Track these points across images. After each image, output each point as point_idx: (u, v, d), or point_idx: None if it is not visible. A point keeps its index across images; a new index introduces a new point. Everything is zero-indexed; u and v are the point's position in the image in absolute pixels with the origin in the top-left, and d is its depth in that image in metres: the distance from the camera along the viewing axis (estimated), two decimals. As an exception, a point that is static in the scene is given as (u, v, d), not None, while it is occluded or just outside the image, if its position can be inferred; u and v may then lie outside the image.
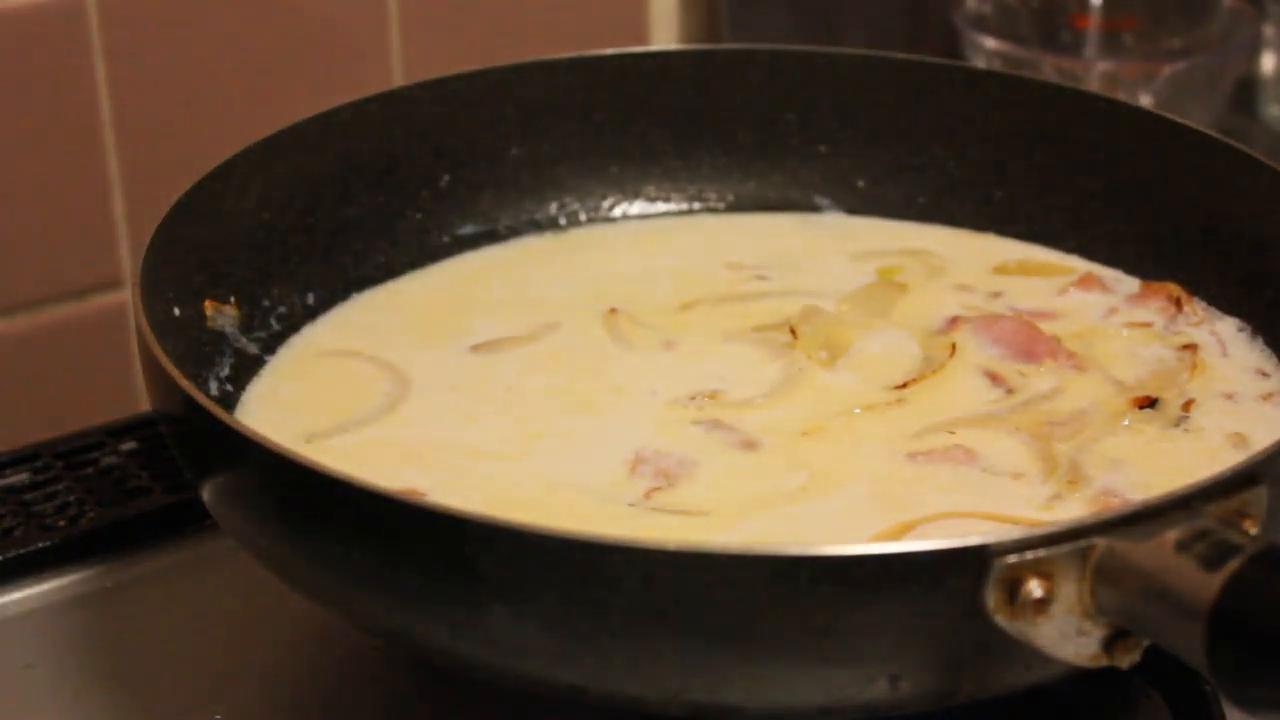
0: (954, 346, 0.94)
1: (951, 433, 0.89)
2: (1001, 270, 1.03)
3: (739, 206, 1.08)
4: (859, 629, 0.70)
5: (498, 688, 0.84)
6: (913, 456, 0.87)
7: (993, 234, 1.05)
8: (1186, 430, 0.89)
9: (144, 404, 1.20)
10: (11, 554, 0.96)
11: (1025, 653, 0.70)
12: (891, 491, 0.85)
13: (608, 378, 0.94)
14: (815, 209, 1.08)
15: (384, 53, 1.24)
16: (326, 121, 1.00)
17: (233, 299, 0.94)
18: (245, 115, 1.19)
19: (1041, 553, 0.69)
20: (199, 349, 0.91)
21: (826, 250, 1.05)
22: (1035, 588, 0.69)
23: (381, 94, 1.03)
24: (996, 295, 1.00)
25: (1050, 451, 0.87)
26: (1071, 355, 0.94)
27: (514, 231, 1.06)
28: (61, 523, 0.98)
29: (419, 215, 1.03)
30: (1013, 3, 1.38)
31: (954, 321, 0.97)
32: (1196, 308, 0.97)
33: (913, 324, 0.97)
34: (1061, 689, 0.84)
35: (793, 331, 0.96)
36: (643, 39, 1.33)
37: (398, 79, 1.24)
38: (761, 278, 1.02)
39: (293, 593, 0.81)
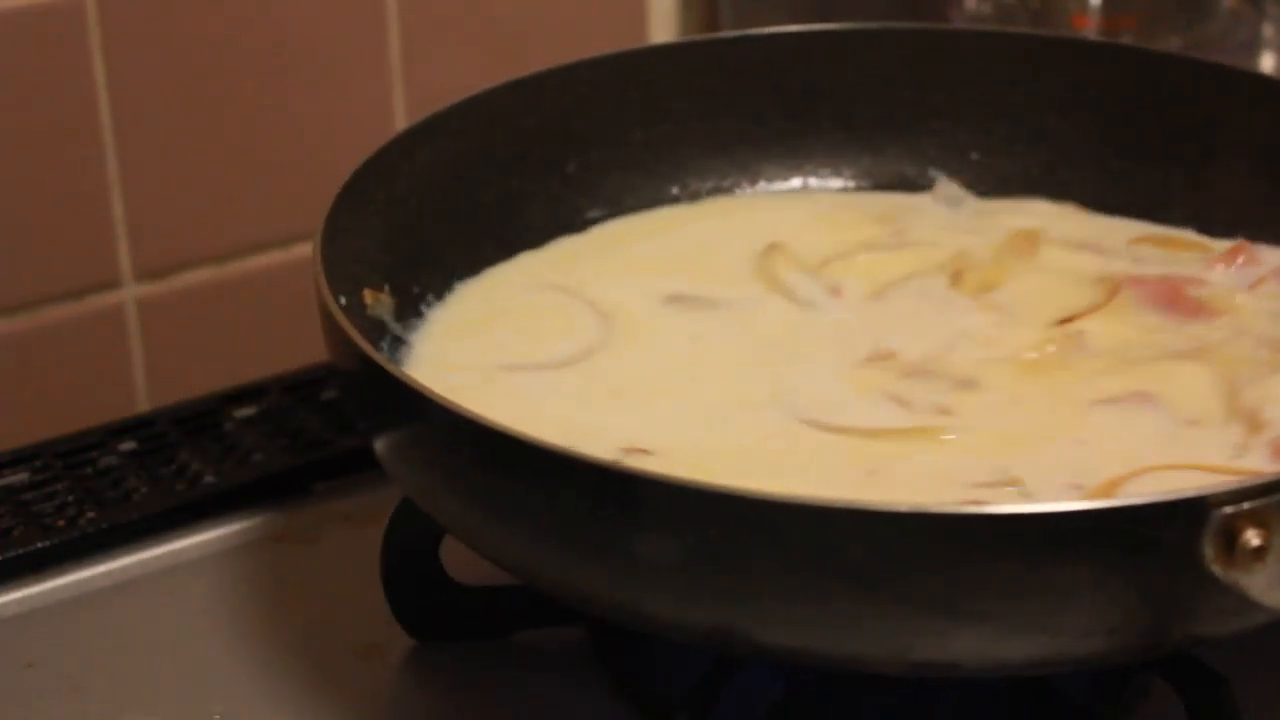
0: (1117, 286, 0.94)
1: (1130, 375, 0.88)
2: (1140, 242, 1.00)
3: (857, 186, 1.08)
4: (1079, 586, 0.71)
5: (497, 686, 0.85)
6: (1094, 404, 0.87)
7: (1120, 216, 1.03)
8: None
9: (143, 404, 1.20)
10: (11, 554, 0.96)
11: (1236, 601, 0.71)
12: (1083, 442, 0.85)
13: (775, 339, 0.94)
14: (929, 185, 1.07)
15: (383, 51, 1.24)
16: (466, 109, 1.00)
17: (387, 287, 0.95)
18: (245, 115, 1.20)
19: (1259, 502, 0.70)
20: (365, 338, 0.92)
21: (954, 222, 1.04)
22: (1253, 537, 0.69)
23: (511, 82, 1.03)
24: (1137, 263, 0.98)
25: (1232, 394, 0.87)
26: (1224, 313, 0.93)
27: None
28: (61, 523, 0.98)
29: (548, 199, 1.04)
30: (1012, 2, 1.38)
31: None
32: None
33: (1062, 274, 0.96)
34: (1077, 686, 0.84)
35: (953, 276, 0.95)
36: (642, 39, 1.33)
37: (396, 78, 1.24)
38: (899, 235, 1.02)
39: (453, 539, 0.82)
